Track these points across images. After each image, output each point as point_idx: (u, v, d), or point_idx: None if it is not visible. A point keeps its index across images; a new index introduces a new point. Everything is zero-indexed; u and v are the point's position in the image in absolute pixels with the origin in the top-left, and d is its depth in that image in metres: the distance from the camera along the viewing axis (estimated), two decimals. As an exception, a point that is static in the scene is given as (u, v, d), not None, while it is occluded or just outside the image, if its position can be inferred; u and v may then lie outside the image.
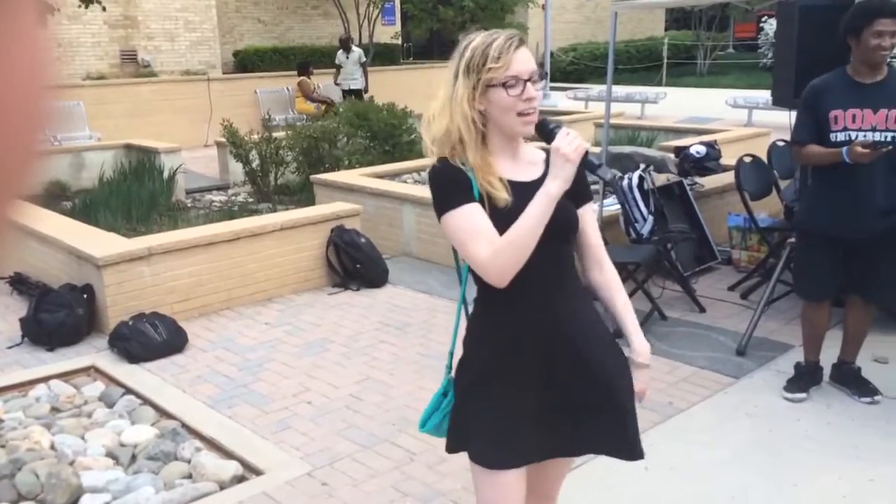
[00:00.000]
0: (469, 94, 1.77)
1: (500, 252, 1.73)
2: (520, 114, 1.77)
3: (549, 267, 1.82)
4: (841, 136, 3.42)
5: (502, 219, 1.74)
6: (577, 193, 1.87)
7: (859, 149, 3.28)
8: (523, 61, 1.77)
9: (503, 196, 1.77)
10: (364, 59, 12.46)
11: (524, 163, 1.86)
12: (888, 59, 3.42)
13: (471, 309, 1.99)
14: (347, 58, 12.51)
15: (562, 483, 2.10)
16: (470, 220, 1.76)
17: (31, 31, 0.45)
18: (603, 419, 1.89)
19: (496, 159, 1.83)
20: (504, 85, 1.75)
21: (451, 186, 1.79)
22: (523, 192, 1.77)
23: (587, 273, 1.98)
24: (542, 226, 1.71)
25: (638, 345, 1.96)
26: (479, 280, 1.83)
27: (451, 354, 2.02)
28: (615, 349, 1.95)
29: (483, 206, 1.78)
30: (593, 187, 6.79)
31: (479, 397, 1.87)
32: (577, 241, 1.94)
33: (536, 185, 1.78)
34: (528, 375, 1.83)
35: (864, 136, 3.38)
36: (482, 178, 1.78)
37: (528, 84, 1.76)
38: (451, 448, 1.99)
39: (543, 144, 1.86)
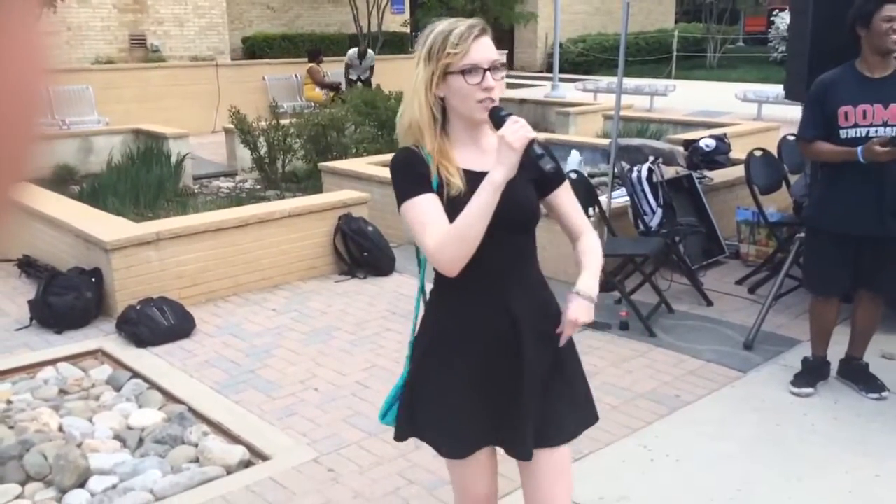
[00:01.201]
0: (428, 80, 1.77)
1: (446, 242, 1.73)
2: (479, 101, 1.76)
3: (503, 259, 1.82)
4: (851, 133, 3.39)
5: (457, 208, 1.74)
6: (544, 180, 1.87)
7: (878, 148, 3.24)
8: (483, 49, 1.76)
9: (457, 184, 1.77)
10: (374, 62, 12.51)
11: (486, 152, 1.81)
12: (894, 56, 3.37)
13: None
14: (360, 63, 12.52)
15: (562, 491, 1.94)
16: (423, 209, 1.76)
17: (29, 16, 0.45)
18: (557, 406, 1.89)
19: (456, 148, 1.83)
20: (462, 72, 1.74)
21: (408, 176, 1.80)
22: (480, 182, 1.74)
23: (574, 249, 1.95)
24: (488, 215, 1.70)
25: (582, 279, 1.86)
26: (435, 269, 1.82)
27: (412, 345, 2.01)
28: (569, 345, 1.92)
29: (441, 193, 1.78)
30: (602, 179, 6.78)
31: (429, 382, 1.90)
32: (560, 223, 1.96)
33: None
34: (477, 365, 1.85)
35: (876, 132, 3.35)
36: (440, 166, 1.79)
37: (488, 73, 1.75)
38: (401, 436, 2.01)
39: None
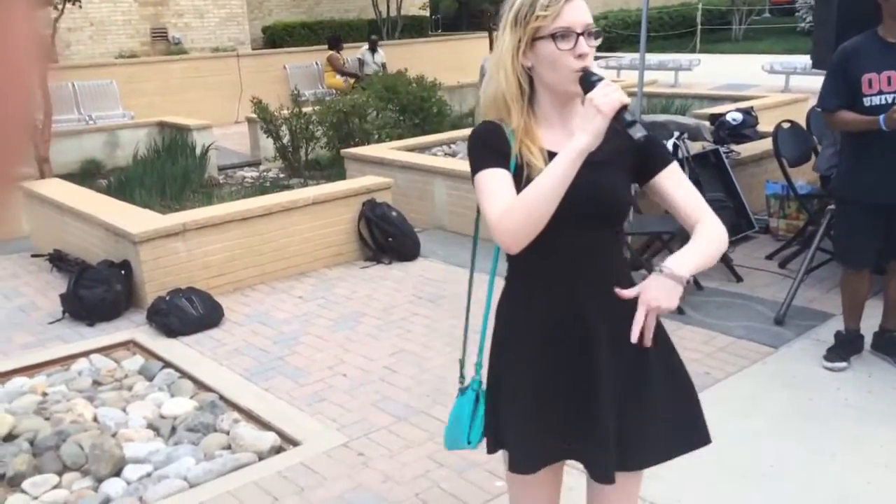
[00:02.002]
0: (514, 47, 1.59)
1: (511, 211, 1.54)
2: (573, 70, 1.57)
3: (579, 253, 1.64)
4: (876, 100, 3.32)
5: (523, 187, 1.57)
6: (645, 165, 1.67)
7: None
8: (577, 12, 1.57)
9: (538, 167, 1.57)
10: (385, 60, 12.49)
11: (571, 132, 1.58)
12: None
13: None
14: (373, 58, 12.53)
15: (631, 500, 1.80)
16: (494, 181, 1.59)
17: (26, 12, 0.46)
18: (640, 424, 1.67)
19: (542, 127, 1.65)
20: (553, 37, 1.55)
21: (485, 148, 1.64)
22: None
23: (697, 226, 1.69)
24: (561, 188, 1.51)
25: (675, 257, 1.61)
26: (508, 257, 1.68)
27: (481, 351, 1.87)
28: (669, 356, 1.73)
29: (521, 175, 1.60)
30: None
31: (502, 388, 1.75)
32: (672, 212, 1.71)
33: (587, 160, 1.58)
34: (545, 370, 1.67)
35: None
36: (522, 146, 1.61)
37: (581, 38, 1.56)
38: (493, 448, 1.81)
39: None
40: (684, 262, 1.58)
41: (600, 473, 1.67)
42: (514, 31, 1.60)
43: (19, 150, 0.47)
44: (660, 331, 1.69)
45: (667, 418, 1.70)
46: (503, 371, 1.74)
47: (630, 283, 1.67)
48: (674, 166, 1.70)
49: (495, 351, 1.77)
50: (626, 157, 1.65)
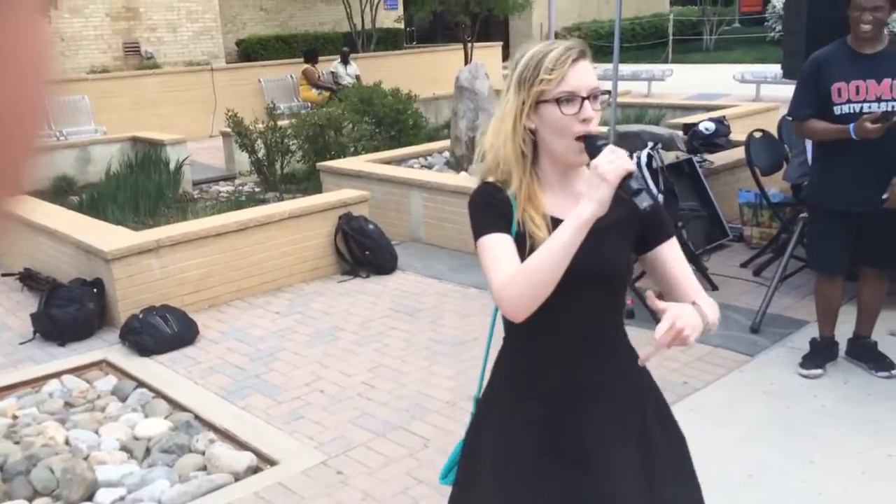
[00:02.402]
0: (518, 109, 1.55)
1: (514, 279, 1.49)
2: (577, 139, 1.52)
3: (576, 321, 1.58)
4: (845, 109, 3.37)
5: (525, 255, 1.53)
6: (648, 234, 1.62)
7: (868, 124, 3.22)
8: (583, 75, 1.53)
9: (541, 236, 1.52)
10: (359, 72, 12.51)
11: (577, 197, 1.52)
12: (881, 32, 3.33)
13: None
14: (346, 71, 12.53)
15: None
16: (497, 246, 1.54)
17: (31, 24, 0.45)
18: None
19: (545, 192, 1.60)
20: (557, 101, 1.52)
21: (486, 210, 1.59)
22: None
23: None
24: (565, 257, 1.46)
25: (703, 302, 1.54)
26: (505, 319, 1.61)
27: (481, 386, 1.80)
28: (668, 434, 1.65)
29: (523, 243, 1.54)
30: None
31: (486, 452, 1.67)
32: (662, 286, 1.65)
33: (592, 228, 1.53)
34: (536, 442, 1.60)
35: (870, 107, 3.32)
36: (525, 213, 1.56)
37: (587, 102, 1.52)
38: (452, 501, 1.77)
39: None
40: (711, 310, 1.53)
41: None
42: (519, 93, 1.56)
43: (19, 177, 0.46)
44: (672, 422, 1.68)
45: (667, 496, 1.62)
46: (488, 439, 1.67)
47: (632, 356, 1.60)
48: (675, 240, 1.65)
49: (482, 414, 1.71)
50: (630, 224, 1.59)
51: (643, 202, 1.46)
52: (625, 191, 1.47)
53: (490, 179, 1.63)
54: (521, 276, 1.50)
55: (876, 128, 3.21)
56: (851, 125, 3.29)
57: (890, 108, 3.30)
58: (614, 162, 1.45)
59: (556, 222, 1.54)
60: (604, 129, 6.42)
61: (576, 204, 1.49)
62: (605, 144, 1.51)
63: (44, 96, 0.46)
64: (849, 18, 3.35)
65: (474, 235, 1.59)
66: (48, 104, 0.47)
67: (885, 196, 3.34)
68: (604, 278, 1.57)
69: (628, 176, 1.46)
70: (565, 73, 1.52)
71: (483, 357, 1.82)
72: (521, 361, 1.65)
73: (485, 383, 1.77)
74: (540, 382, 1.61)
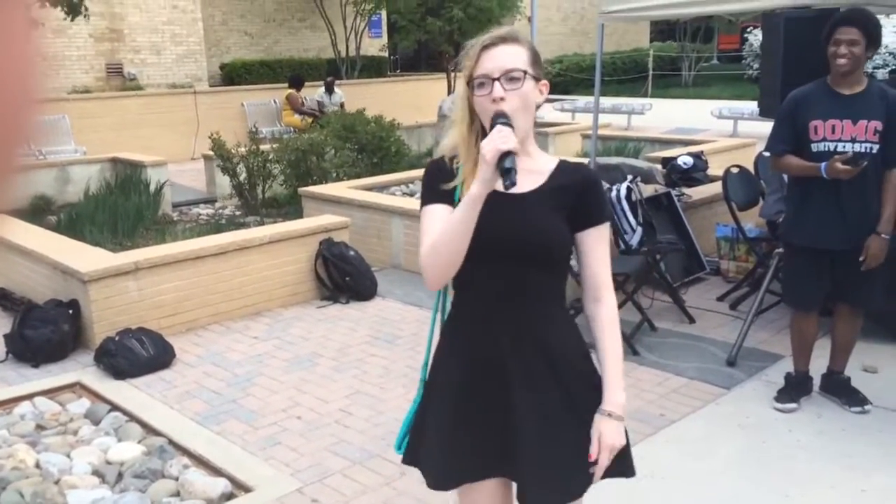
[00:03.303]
0: (462, 91, 1.73)
1: (428, 252, 1.67)
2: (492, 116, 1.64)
3: (500, 291, 1.70)
4: (821, 147, 3.44)
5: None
6: (577, 213, 1.72)
7: (838, 165, 3.29)
8: (495, 58, 1.66)
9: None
10: (343, 100, 12.60)
11: (522, 171, 1.62)
12: (858, 70, 3.42)
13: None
14: (330, 100, 12.62)
15: None
16: (430, 219, 1.73)
17: (19, 42, 0.45)
18: (542, 455, 1.71)
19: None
20: (473, 84, 1.68)
21: (429, 186, 1.76)
22: (502, 204, 1.64)
23: (584, 303, 1.81)
24: (464, 230, 1.60)
25: (609, 394, 1.73)
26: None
27: (426, 366, 1.91)
28: (589, 398, 1.75)
29: None
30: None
31: (428, 409, 1.84)
32: (580, 269, 1.79)
33: (523, 197, 1.68)
34: (463, 396, 1.75)
35: (844, 147, 3.39)
36: (464, 185, 1.68)
37: (496, 83, 1.64)
38: (405, 459, 1.91)
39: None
40: (619, 399, 1.73)
41: (522, 497, 1.75)
42: (463, 77, 1.72)
43: (21, 131, 0.46)
44: (587, 374, 1.79)
45: (586, 450, 1.73)
46: (430, 391, 1.85)
47: (568, 328, 1.78)
48: (604, 229, 1.76)
49: (431, 372, 1.87)
50: (560, 198, 1.71)
51: (504, 181, 1.57)
52: (498, 168, 1.57)
53: (442, 155, 1.79)
54: (431, 250, 1.66)
55: (845, 169, 3.28)
56: (823, 164, 3.36)
57: (864, 150, 3.38)
58: (493, 142, 1.57)
59: (494, 195, 1.62)
60: (583, 160, 6.51)
61: (518, 174, 1.61)
62: (504, 125, 1.60)
63: (29, 114, 0.46)
64: (828, 56, 3.43)
65: (420, 204, 1.78)
66: (34, 122, 0.47)
67: (861, 258, 3.41)
68: (525, 247, 1.69)
69: (506, 154, 1.56)
70: (479, 57, 1.67)
71: (427, 338, 1.93)
72: (454, 323, 1.81)
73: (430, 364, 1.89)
74: (471, 339, 1.76)
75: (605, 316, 1.76)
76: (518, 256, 1.69)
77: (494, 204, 1.62)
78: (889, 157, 3.40)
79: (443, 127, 7.18)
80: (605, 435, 1.70)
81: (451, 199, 1.72)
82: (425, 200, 1.76)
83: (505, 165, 1.56)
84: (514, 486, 1.80)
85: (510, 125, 1.61)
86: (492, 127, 1.63)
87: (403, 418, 1.94)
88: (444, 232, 1.65)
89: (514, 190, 1.59)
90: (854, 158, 3.29)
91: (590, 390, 1.75)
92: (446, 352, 1.82)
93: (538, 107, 1.75)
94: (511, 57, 1.67)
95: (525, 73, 1.67)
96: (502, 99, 1.64)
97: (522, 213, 1.68)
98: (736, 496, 3.00)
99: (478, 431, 1.75)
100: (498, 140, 1.56)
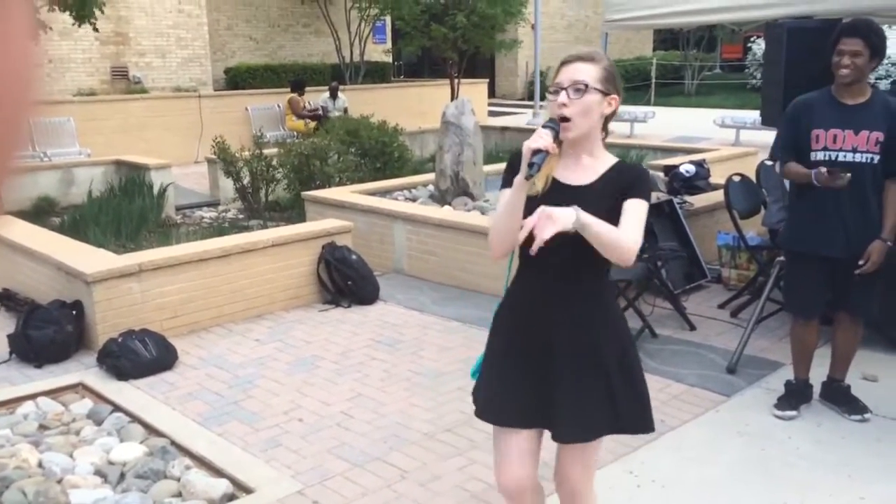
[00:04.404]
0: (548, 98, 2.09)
1: (491, 226, 2.08)
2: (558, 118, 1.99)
3: (552, 267, 2.05)
4: (821, 156, 3.46)
5: (531, 207, 1.96)
6: (622, 193, 2.00)
7: (824, 174, 3.32)
8: (568, 72, 2.03)
9: (536, 188, 2.01)
10: (347, 105, 12.65)
11: (581, 167, 2.07)
12: (861, 80, 3.44)
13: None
14: (334, 105, 12.66)
15: (581, 474, 2.21)
16: (500, 199, 2.07)
17: (15, 46, 0.46)
18: (590, 403, 2.06)
19: (564, 159, 2.08)
20: (551, 91, 2.04)
21: (507, 171, 2.08)
22: (559, 192, 2.02)
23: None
24: (512, 211, 1.97)
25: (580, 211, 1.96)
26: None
27: (497, 312, 2.25)
28: (621, 358, 2.08)
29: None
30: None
31: (488, 355, 2.21)
32: None
33: (577, 189, 2.04)
34: (517, 348, 2.12)
35: (845, 157, 3.41)
36: (540, 173, 1.99)
37: (563, 91, 2.00)
38: (474, 394, 2.26)
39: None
40: (586, 215, 1.93)
41: (554, 433, 2.10)
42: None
43: (18, 134, 0.47)
44: (621, 335, 2.13)
45: (614, 404, 2.07)
46: (493, 337, 2.22)
47: (611, 306, 2.16)
48: (636, 202, 2.01)
49: (495, 320, 2.23)
50: (609, 190, 2.03)
51: (525, 173, 1.92)
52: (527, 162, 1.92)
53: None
54: (492, 224, 2.08)
55: (827, 179, 3.30)
56: (813, 171, 3.38)
57: (864, 160, 3.39)
58: (530, 140, 1.92)
59: (555, 181, 2.05)
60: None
61: (577, 169, 2.07)
62: (548, 127, 1.97)
63: (26, 116, 0.47)
64: (832, 66, 3.45)
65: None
66: (30, 124, 0.49)
67: (861, 262, 3.42)
68: (569, 233, 1.93)
69: (536, 151, 1.91)
70: (559, 70, 2.06)
71: (503, 287, 2.30)
72: (515, 291, 2.18)
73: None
74: (525, 303, 2.13)
75: (622, 231, 1.98)
76: (566, 241, 1.94)
77: (553, 193, 2.02)
78: (890, 169, 3.42)
79: (445, 134, 7.21)
80: (557, 210, 1.92)
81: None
82: (505, 182, 2.08)
83: (531, 160, 1.91)
84: (547, 434, 2.14)
85: (554, 129, 1.97)
86: (543, 127, 1.97)
87: (479, 357, 2.30)
88: (499, 210, 2.05)
89: (570, 182, 2.05)
90: (833, 174, 3.31)
91: (619, 356, 2.08)
92: (506, 310, 2.19)
93: (608, 117, 2.09)
94: (581, 72, 2.02)
95: (587, 85, 2.00)
96: (565, 105, 1.99)
97: (572, 203, 1.95)
98: (733, 503, 3.01)
99: (521, 384, 2.10)
100: (533, 139, 1.92)
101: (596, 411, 2.06)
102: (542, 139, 1.91)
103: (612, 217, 1.97)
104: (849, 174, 3.31)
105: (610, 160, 2.11)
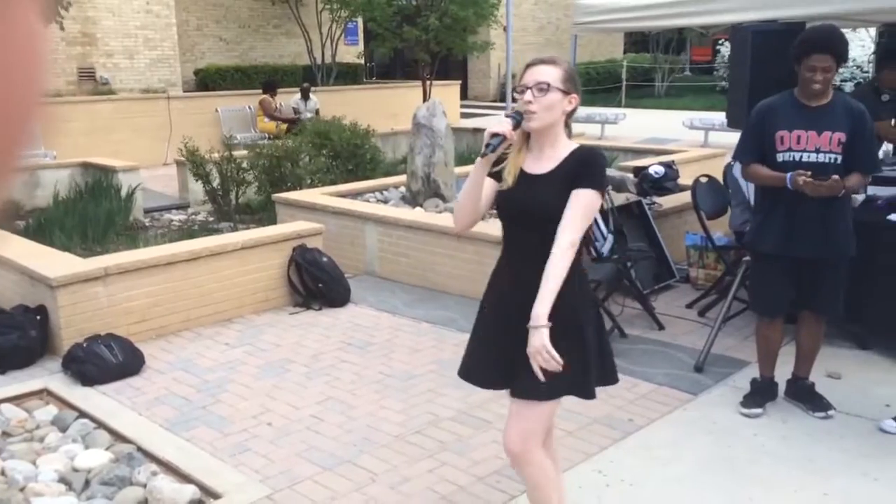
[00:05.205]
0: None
1: (455, 204, 2.33)
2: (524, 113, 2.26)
3: (521, 247, 2.33)
4: (786, 157, 3.52)
5: (499, 195, 2.34)
6: (572, 180, 2.23)
7: (801, 179, 3.37)
8: (532, 73, 2.28)
9: (506, 179, 2.31)
10: (318, 107, 12.60)
11: (544, 157, 2.31)
12: (828, 88, 3.52)
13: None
14: (306, 106, 12.60)
15: (518, 436, 2.36)
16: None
17: (26, 31, 0.44)
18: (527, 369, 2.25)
19: (531, 152, 2.34)
20: (518, 91, 2.29)
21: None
22: (524, 181, 2.29)
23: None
24: (472, 188, 2.30)
25: (534, 309, 2.20)
26: None
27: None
28: (563, 323, 2.23)
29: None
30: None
31: (477, 320, 2.51)
32: None
33: (539, 177, 2.29)
34: (489, 320, 2.43)
35: (809, 157, 3.48)
36: (508, 164, 2.31)
37: (529, 91, 2.26)
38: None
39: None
40: (538, 311, 2.18)
41: (512, 388, 2.39)
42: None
43: (22, 133, 0.46)
44: (576, 312, 2.29)
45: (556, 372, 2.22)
46: (480, 309, 2.51)
47: (576, 283, 2.29)
48: (581, 194, 2.23)
49: (483, 296, 2.51)
50: (565, 175, 2.26)
51: (483, 151, 2.21)
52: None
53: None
54: (457, 201, 2.42)
55: (807, 181, 3.36)
56: (789, 175, 3.44)
57: (828, 160, 3.46)
58: (490, 126, 2.22)
59: (522, 173, 2.31)
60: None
61: (540, 160, 2.32)
62: (510, 116, 2.25)
63: (32, 112, 0.46)
64: (798, 75, 3.51)
65: None
66: (38, 112, 0.47)
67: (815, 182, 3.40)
68: (532, 215, 2.28)
69: (494, 135, 2.20)
70: (524, 72, 2.32)
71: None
72: (496, 268, 2.47)
73: None
74: (501, 280, 2.42)
75: (553, 253, 2.21)
76: (529, 223, 2.28)
77: (521, 181, 2.29)
78: (853, 167, 3.49)
79: (417, 136, 7.21)
80: (530, 344, 2.20)
81: (495, 176, 2.35)
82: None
83: (489, 141, 2.20)
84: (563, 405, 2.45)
85: (516, 119, 2.24)
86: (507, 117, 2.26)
87: None
88: (462, 188, 2.34)
89: (533, 171, 2.31)
90: (813, 180, 3.37)
91: (576, 326, 2.28)
92: (489, 286, 2.46)
93: (569, 114, 2.33)
94: (544, 74, 2.27)
95: (549, 85, 2.25)
96: (530, 102, 2.24)
97: (535, 191, 2.27)
98: (702, 500, 3.05)
99: (494, 349, 2.39)
100: (495, 124, 2.20)
101: (546, 377, 2.22)
102: (502, 125, 2.18)
103: (565, 201, 2.23)
104: (836, 175, 3.37)
105: (569, 147, 2.32)
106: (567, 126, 2.36)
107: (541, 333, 2.16)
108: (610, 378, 2.49)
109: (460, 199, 2.37)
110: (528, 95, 2.25)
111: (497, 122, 2.21)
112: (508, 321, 2.30)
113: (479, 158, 2.24)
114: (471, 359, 2.49)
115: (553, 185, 2.25)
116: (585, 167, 2.26)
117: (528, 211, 2.28)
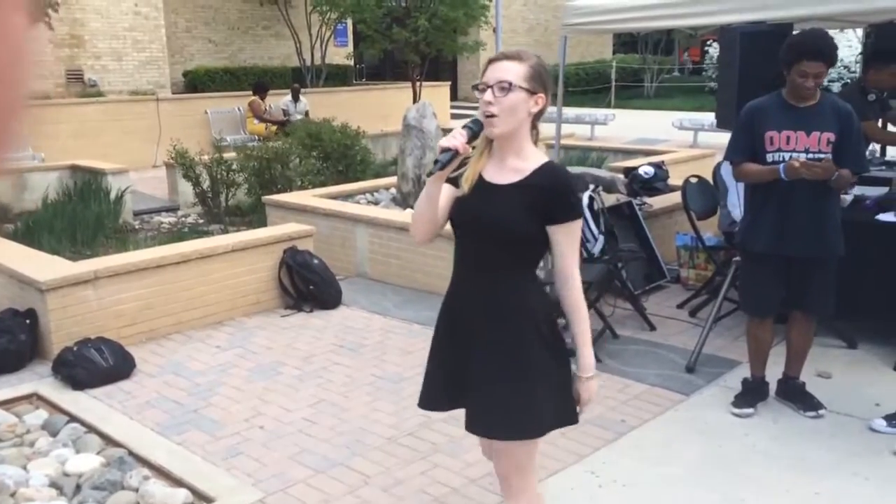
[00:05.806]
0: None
1: (412, 214, 2.20)
2: (485, 115, 2.03)
3: (473, 259, 2.13)
4: (776, 157, 3.55)
5: (455, 201, 2.12)
6: (548, 211, 2.03)
7: (796, 163, 3.40)
8: (493, 70, 2.03)
9: (462, 185, 2.10)
10: (308, 108, 12.58)
11: (507, 167, 2.08)
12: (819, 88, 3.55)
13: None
14: (296, 108, 12.58)
15: (506, 463, 2.21)
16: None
17: (14, 32, 0.45)
18: (489, 395, 2.10)
19: (492, 158, 2.12)
20: (479, 89, 2.04)
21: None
22: (483, 189, 2.07)
23: (556, 288, 2.13)
24: (426, 202, 2.08)
25: (581, 360, 2.13)
26: None
27: None
28: (527, 343, 2.08)
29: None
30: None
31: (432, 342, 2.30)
32: (552, 256, 2.13)
33: (500, 187, 2.06)
34: (444, 340, 2.22)
35: (798, 157, 3.51)
36: (468, 170, 2.10)
37: (489, 90, 2.01)
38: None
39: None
40: (586, 362, 2.13)
41: (470, 425, 2.18)
42: None
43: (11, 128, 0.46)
44: (543, 337, 2.10)
45: (494, 403, 2.10)
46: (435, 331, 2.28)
47: (534, 298, 2.11)
48: (572, 225, 2.06)
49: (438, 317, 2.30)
50: (530, 194, 2.03)
51: (428, 170, 2.08)
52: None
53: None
54: (413, 212, 2.18)
55: (804, 163, 3.39)
56: (782, 165, 3.47)
57: (818, 160, 3.48)
58: (443, 139, 2.00)
59: (481, 180, 2.09)
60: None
61: (501, 169, 2.08)
62: (466, 127, 2.02)
63: (17, 114, 0.46)
64: (787, 78, 3.53)
65: None
66: (25, 115, 0.47)
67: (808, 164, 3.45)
68: (487, 229, 2.06)
69: (445, 150, 1.98)
70: (485, 68, 2.07)
71: None
72: (451, 283, 2.23)
73: None
74: (456, 291, 2.20)
75: (570, 300, 2.11)
76: (483, 236, 2.07)
77: (477, 191, 2.07)
78: (842, 167, 3.51)
79: (407, 137, 7.20)
80: (581, 393, 2.14)
81: (453, 181, 2.13)
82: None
83: (437, 157, 2.00)
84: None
85: (472, 129, 2.02)
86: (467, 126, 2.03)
87: None
88: (417, 202, 2.13)
89: (494, 180, 2.07)
90: (810, 162, 3.41)
91: (542, 349, 2.08)
92: (443, 304, 2.24)
93: (536, 116, 2.08)
94: (506, 71, 2.02)
95: (511, 84, 2.00)
96: (490, 103, 2.00)
97: (491, 201, 2.05)
98: (694, 501, 3.06)
99: (448, 370, 2.19)
100: (447, 138, 2.00)
101: (502, 409, 2.07)
102: (454, 139, 1.98)
103: (530, 216, 2.02)
104: (829, 156, 3.40)
105: (539, 160, 2.08)
106: (534, 128, 2.11)
107: (593, 382, 2.15)
108: (571, 418, 2.20)
109: (417, 211, 2.13)
110: (488, 95, 2.01)
111: (451, 135, 1.99)
112: (465, 342, 2.14)
113: (427, 178, 2.05)
114: (425, 386, 2.28)
115: (512, 199, 2.03)
116: (561, 197, 2.04)
117: (481, 220, 2.06)
